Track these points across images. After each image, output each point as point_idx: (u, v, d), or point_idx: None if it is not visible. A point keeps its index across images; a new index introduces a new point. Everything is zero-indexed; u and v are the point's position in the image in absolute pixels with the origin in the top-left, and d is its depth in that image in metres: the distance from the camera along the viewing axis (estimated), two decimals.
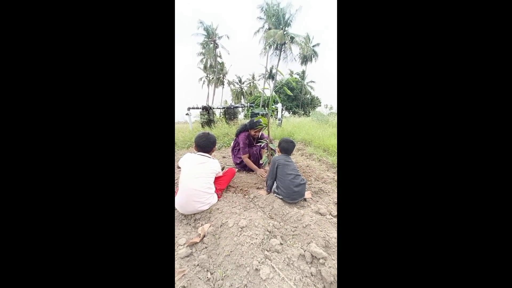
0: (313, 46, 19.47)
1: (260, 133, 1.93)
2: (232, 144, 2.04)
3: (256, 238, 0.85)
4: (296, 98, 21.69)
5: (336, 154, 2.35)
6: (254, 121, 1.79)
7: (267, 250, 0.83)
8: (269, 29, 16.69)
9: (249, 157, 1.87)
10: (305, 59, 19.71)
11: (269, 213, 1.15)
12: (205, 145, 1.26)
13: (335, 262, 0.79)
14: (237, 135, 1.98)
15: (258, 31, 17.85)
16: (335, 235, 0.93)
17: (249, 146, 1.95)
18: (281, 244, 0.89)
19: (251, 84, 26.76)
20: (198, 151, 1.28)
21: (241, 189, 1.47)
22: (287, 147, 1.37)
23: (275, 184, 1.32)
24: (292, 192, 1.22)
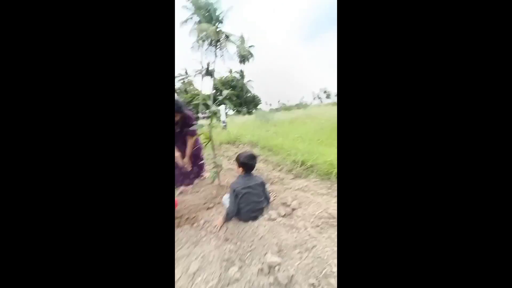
0: (249, 47, 20.33)
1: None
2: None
3: (213, 280, 0.74)
4: (239, 97, 22.14)
5: (279, 153, 2.58)
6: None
7: (226, 286, 0.75)
8: (199, 22, 15.57)
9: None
10: (243, 59, 20.31)
11: (223, 236, 1.07)
12: None
13: (288, 263, 0.82)
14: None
15: (186, 21, 16.19)
16: (286, 236, 0.98)
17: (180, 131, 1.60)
18: (240, 268, 0.84)
19: (184, 80, 24.06)
20: None
21: (187, 218, 1.27)
22: (252, 164, 1.18)
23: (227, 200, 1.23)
24: (247, 217, 1.14)
